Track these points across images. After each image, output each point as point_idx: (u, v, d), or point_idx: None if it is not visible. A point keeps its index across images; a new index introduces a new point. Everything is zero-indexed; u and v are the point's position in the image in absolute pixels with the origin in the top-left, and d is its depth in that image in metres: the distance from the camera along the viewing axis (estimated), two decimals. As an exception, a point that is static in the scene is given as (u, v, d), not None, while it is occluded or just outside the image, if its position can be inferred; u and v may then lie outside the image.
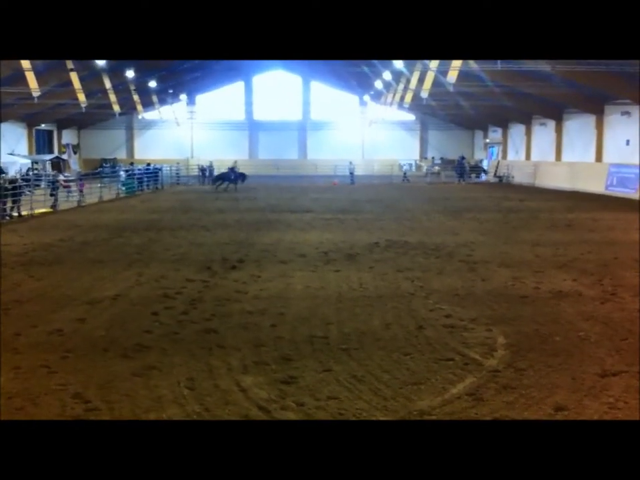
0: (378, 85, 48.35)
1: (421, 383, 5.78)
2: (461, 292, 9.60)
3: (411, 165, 59.17)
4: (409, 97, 41.53)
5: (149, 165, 42.00)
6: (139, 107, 50.83)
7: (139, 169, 38.80)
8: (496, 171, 47.90)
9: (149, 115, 57.98)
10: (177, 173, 46.62)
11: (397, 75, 41.87)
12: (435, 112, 54.21)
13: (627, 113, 32.68)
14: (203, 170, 46.55)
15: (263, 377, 5.97)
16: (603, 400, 5.34)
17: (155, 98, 53.09)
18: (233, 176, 37.33)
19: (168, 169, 43.94)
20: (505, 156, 50.33)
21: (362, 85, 54.30)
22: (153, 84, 47.98)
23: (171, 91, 54.44)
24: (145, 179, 37.88)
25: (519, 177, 43.17)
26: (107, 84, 41.22)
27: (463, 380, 5.85)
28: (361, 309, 8.61)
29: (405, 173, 48.58)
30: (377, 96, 54.27)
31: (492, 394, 5.51)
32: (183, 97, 58.78)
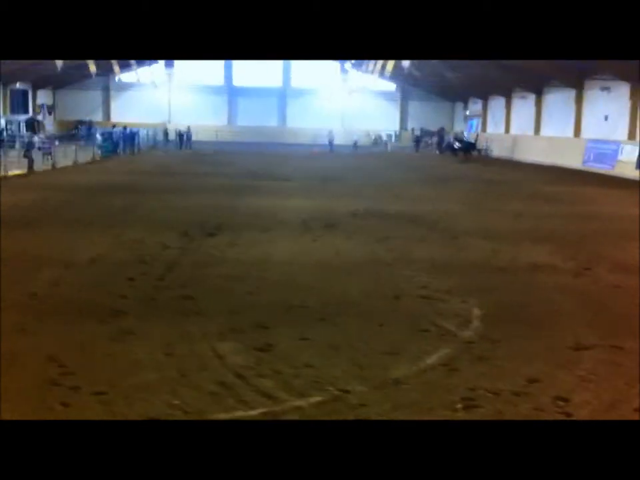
0: (360, 52, 47.95)
1: (397, 353, 5.82)
2: (439, 262, 9.65)
3: (390, 135, 59.11)
4: (390, 66, 41.27)
5: (125, 128, 41.41)
6: (116, 68, 49.83)
7: (116, 132, 38.29)
8: (475, 143, 47.95)
9: (126, 77, 57.00)
10: (154, 137, 46.06)
11: (379, 43, 41.51)
12: (416, 82, 53.99)
13: (607, 89, 32.80)
14: (180, 134, 46.00)
15: (239, 343, 5.97)
16: (575, 372, 5.43)
17: (132, 60, 52.13)
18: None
19: (145, 132, 43.39)
20: (484, 128, 50.40)
21: (343, 52, 53.79)
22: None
23: (149, 53, 53.46)
24: (122, 142, 37.40)
25: (498, 151, 43.34)
26: (84, 44, 40.34)
27: (437, 350, 5.90)
28: (340, 277, 8.63)
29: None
30: (359, 64, 53.83)
31: (466, 365, 5.57)
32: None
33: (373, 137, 54.82)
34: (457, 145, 41.83)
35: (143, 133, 42.64)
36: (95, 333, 6.17)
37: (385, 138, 53.62)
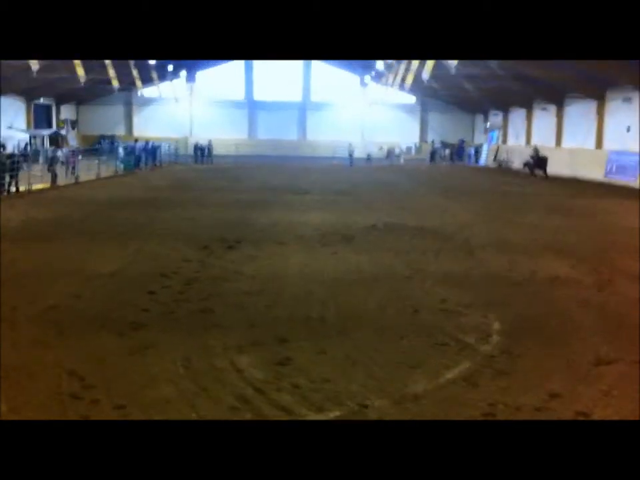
0: (379, 65, 48.08)
1: (416, 367, 5.79)
2: (457, 276, 9.61)
3: (410, 148, 59.14)
4: (410, 79, 41.27)
5: (147, 142, 41.81)
6: (138, 83, 50.37)
7: (138, 146, 38.65)
8: (496, 155, 47.79)
9: (147, 92, 57.60)
10: (176, 151, 46.42)
11: (399, 57, 41.60)
12: (436, 94, 53.96)
13: (629, 99, 32.48)
14: (201, 149, 46.37)
15: (258, 357, 5.98)
16: (596, 387, 5.37)
17: (154, 74, 52.70)
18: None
19: (166, 146, 43.76)
20: (505, 140, 50.17)
21: (363, 65, 54.03)
22: (152, 60, 47.60)
23: (170, 68, 54.05)
24: (143, 157, 37.74)
25: (519, 162, 43.10)
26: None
27: (457, 365, 5.86)
28: (358, 291, 8.61)
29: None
30: (378, 77, 53.94)
31: (486, 379, 5.53)
32: (183, 73, 58.33)
33: (386, 150, 55.12)
34: (530, 160, 35.81)
35: (164, 147, 43.01)
36: (115, 346, 6.22)
37: (397, 151, 53.80)
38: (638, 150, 30.27)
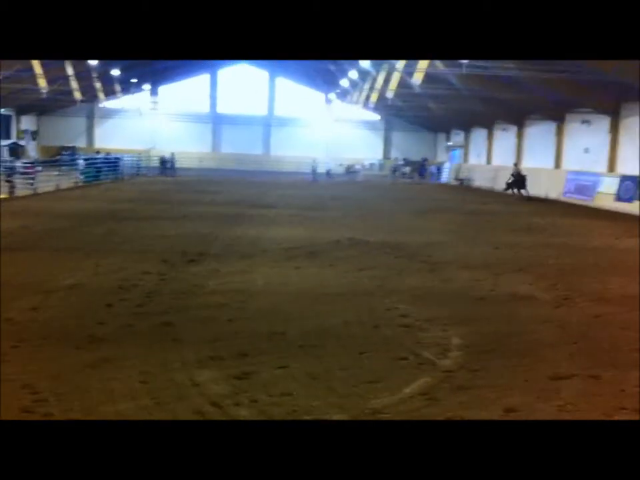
0: (344, 83, 48.52)
1: (376, 382, 5.79)
2: (419, 292, 9.67)
3: (374, 164, 59.70)
4: (374, 97, 41.78)
5: (108, 154, 41.36)
6: (101, 95, 50.05)
7: (99, 158, 38.20)
8: (457, 173, 48.49)
9: (110, 104, 57.13)
10: (138, 164, 46.03)
11: (364, 74, 42.04)
12: (400, 113, 54.64)
13: (587, 122, 33.32)
14: (164, 161, 46.14)
15: (218, 372, 5.91)
16: (553, 402, 5.43)
17: (117, 87, 52.33)
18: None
19: (128, 158, 43.35)
20: (466, 159, 50.93)
21: (328, 82, 54.43)
22: (116, 72, 47.27)
23: (134, 80, 53.70)
24: (105, 169, 37.32)
25: (480, 181, 43.74)
26: (70, 71, 40.48)
27: (416, 379, 5.88)
28: (321, 306, 8.61)
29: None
30: (343, 94, 54.44)
31: (445, 394, 5.55)
32: (147, 86, 58.05)
33: (346, 166, 55.89)
34: (511, 179, 34.00)
35: (127, 159, 42.60)
36: (72, 360, 6.09)
37: (357, 167, 54.53)
38: (595, 171, 31.02)
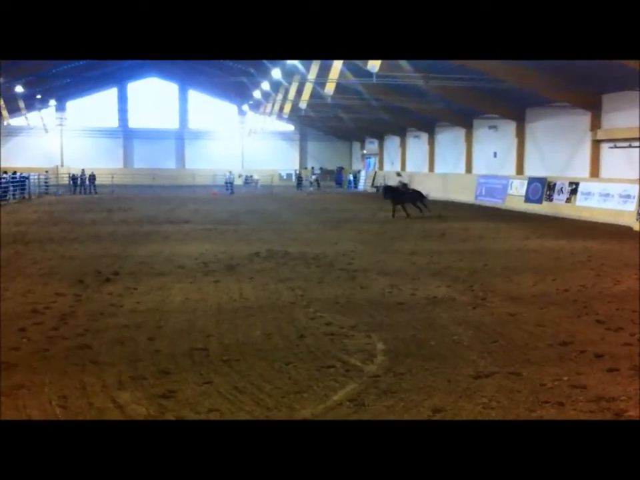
0: (257, 94, 48.46)
1: (303, 391, 5.77)
2: (340, 300, 9.72)
3: (290, 174, 59.89)
4: (287, 108, 41.93)
5: (14, 173, 39.72)
6: (4, 113, 48.15)
7: (4, 178, 36.59)
8: (373, 181, 49.29)
9: (15, 121, 55.03)
10: (46, 182, 44.41)
11: (276, 86, 42.14)
12: (314, 123, 55.15)
13: (494, 127, 34.61)
14: (74, 179, 44.79)
15: (140, 392, 5.74)
16: (477, 401, 5.55)
17: (21, 103, 50.44)
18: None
19: (36, 177, 41.75)
20: (381, 167, 51.83)
21: (240, 94, 54.27)
22: (19, 89, 45.54)
23: (39, 97, 51.94)
24: (11, 188, 35.82)
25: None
26: (-31, 87, 38.75)
27: (344, 386, 5.90)
28: (242, 319, 8.51)
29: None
30: (256, 106, 54.37)
31: (373, 399, 5.59)
32: (52, 102, 56.26)
33: (244, 177, 56.47)
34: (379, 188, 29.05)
35: (34, 177, 41.03)
36: (-18, 389, 5.77)
37: (255, 177, 55.10)
38: (504, 174, 32.19)
